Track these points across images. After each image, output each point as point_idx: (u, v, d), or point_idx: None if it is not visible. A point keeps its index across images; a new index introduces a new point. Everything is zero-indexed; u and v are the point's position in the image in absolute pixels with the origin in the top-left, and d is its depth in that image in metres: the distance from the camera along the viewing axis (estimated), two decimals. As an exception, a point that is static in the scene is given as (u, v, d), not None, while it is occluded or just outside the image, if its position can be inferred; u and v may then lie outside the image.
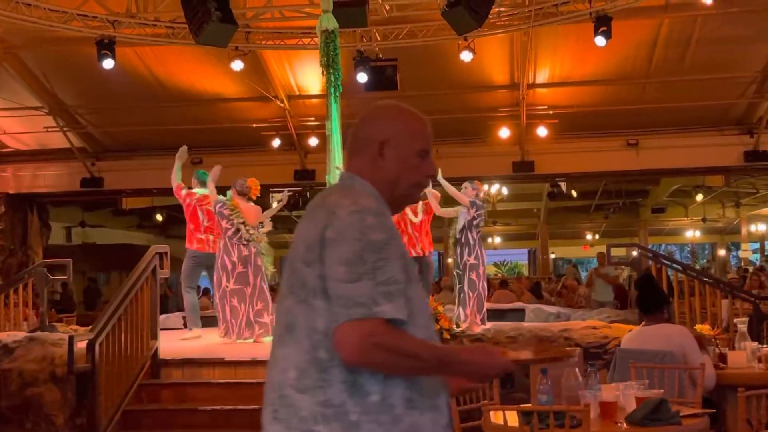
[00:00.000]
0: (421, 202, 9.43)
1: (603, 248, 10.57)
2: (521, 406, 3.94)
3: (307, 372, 1.96)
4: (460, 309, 8.58)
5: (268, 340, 8.07)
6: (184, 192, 8.92)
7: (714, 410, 4.80)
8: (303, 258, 2.02)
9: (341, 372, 1.95)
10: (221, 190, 8.82)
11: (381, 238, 1.97)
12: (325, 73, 9.09)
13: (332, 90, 9.03)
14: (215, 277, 8.35)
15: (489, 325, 8.38)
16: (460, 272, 8.69)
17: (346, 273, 1.93)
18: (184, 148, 8.94)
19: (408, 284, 2.00)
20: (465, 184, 8.97)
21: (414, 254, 9.43)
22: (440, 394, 2.07)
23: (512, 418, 3.76)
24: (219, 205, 8.44)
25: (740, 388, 4.28)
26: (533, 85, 13.52)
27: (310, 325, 1.98)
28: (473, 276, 8.54)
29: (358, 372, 1.95)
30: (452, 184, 8.89)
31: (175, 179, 8.93)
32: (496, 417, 3.91)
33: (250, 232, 8.47)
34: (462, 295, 8.61)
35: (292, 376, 1.98)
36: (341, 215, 1.99)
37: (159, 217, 21.98)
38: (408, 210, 9.34)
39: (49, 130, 14.41)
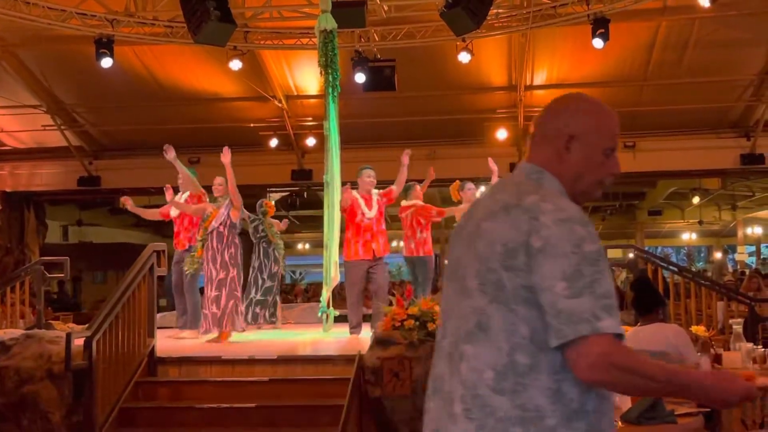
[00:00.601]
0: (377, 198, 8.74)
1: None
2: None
3: (505, 375, 1.94)
4: None
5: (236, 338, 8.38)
6: (208, 199, 8.90)
7: (709, 409, 4.81)
8: (501, 260, 1.96)
9: (546, 377, 1.92)
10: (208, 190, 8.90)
11: (594, 250, 1.93)
12: (323, 73, 9.10)
13: (330, 90, 9.04)
14: (236, 274, 8.44)
15: None
16: None
17: (567, 288, 1.88)
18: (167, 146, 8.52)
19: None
20: (469, 184, 8.98)
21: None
22: (612, 395, 2.08)
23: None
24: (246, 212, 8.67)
25: (735, 388, 4.28)
26: (531, 87, 13.55)
27: (510, 328, 1.95)
28: None
29: (563, 379, 1.92)
30: (448, 185, 8.90)
31: (197, 184, 8.80)
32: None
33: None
34: None
35: (489, 376, 1.95)
36: (547, 223, 1.94)
37: (156, 217, 21.92)
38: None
39: (47, 128, 14.41)
